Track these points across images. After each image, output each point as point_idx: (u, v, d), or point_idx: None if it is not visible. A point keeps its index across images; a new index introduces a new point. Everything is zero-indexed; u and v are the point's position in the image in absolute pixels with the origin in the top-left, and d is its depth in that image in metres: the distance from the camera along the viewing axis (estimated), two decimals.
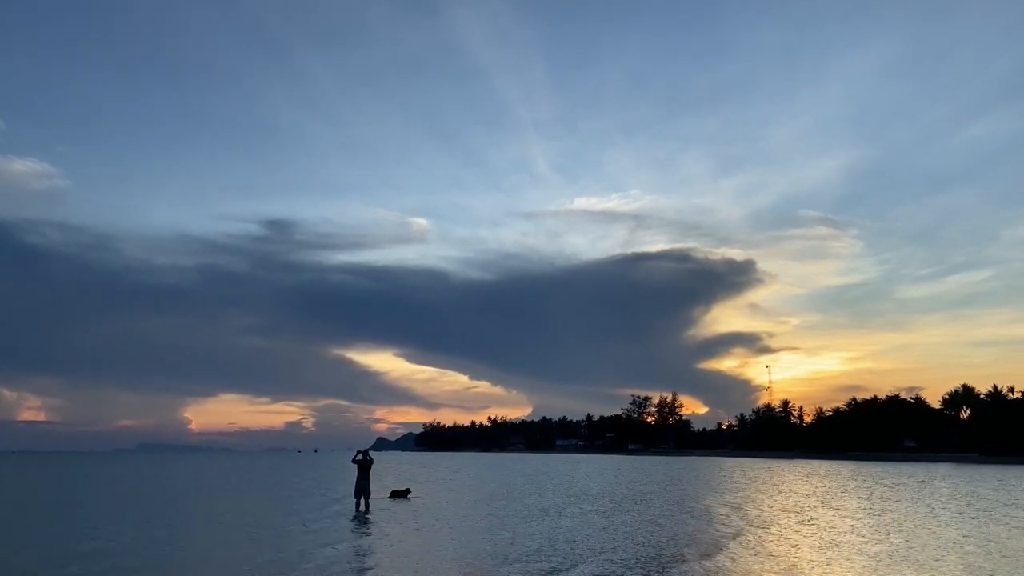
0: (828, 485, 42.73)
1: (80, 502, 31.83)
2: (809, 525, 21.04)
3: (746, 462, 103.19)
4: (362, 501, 25.24)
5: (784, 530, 19.81)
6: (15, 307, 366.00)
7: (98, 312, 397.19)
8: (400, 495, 30.44)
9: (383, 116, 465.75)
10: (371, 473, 25.97)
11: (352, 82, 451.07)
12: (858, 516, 23.74)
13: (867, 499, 31.13)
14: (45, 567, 14.12)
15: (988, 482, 45.31)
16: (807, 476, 55.48)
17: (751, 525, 21.03)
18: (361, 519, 22.76)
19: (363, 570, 13.81)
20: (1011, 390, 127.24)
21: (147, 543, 17.39)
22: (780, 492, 36.05)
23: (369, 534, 19.25)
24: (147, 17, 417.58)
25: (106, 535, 19.09)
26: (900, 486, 41.13)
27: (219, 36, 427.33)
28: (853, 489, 38.64)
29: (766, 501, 30.06)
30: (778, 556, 15.27)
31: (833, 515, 24.02)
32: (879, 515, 24.01)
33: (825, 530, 19.85)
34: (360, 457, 25.87)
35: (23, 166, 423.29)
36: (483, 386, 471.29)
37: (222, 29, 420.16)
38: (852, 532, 19.45)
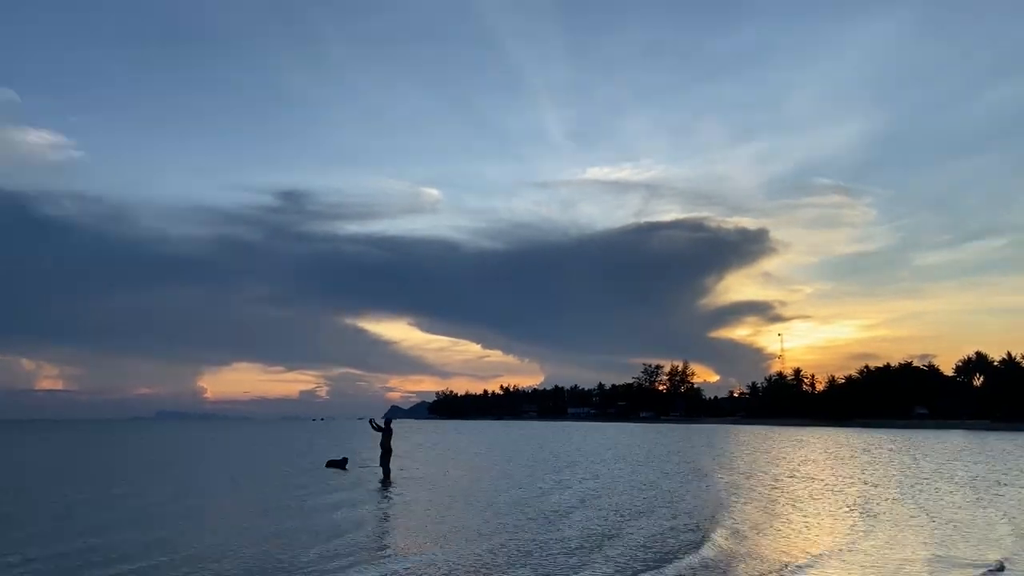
0: (838, 452, 43.16)
1: (107, 466, 32.61)
2: (824, 489, 21.47)
3: (757, 430, 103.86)
4: (385, 470, 25.78)
5: (794, 493, 20.26)
6: (32, 278, 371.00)
7: (114, 282, 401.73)
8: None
9: (394, 83, 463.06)
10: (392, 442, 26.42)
11: (364, 49, 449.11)
12: (870, 480, 24.20)
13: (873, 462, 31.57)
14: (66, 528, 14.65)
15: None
16: (816, 442, 55.84)
17: (760, 490, 21.47)
18: (383, 488, 23.04)
19: (382, 536, 14.26)
20: None
21: (168, 512, 17.77)
22: (785, 459, 36.48)
23: (391, 503, 19.70)
24: None
25: (131, 498, 19.48)
26: (910, 450, 41.48)
27: (232, 6, 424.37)
28: (865, 456, 39.07)
29: (777, 465, 30.51)
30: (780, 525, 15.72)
31: (842, 479, 24.44)
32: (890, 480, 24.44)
33: (837, 493, 20.26)
34: (382, 425, 26.39)
35: (39, 137, 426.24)
36: (495, 355, 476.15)
37: None
38: (865, 496, 19.84)
